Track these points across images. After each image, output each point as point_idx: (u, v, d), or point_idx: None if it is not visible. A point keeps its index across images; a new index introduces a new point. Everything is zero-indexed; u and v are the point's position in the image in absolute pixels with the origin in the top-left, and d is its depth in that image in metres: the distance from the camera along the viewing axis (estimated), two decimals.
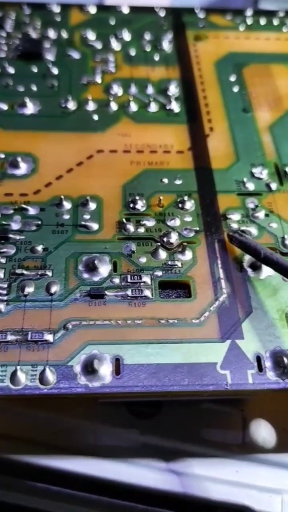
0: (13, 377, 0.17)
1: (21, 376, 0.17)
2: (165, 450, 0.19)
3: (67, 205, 0.21)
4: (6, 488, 0.20)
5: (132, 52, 0.28)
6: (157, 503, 0.19)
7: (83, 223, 0.21)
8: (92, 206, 0.21)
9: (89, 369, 0.17)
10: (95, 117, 0.25)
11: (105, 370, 0.17)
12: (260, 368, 0.17)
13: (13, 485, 0.20)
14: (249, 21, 0.31)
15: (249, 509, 0.19)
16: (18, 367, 0.17)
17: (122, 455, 0.19)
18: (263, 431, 0.20)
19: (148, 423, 0.20)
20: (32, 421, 0.20)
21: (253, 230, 0.21)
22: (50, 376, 0.17)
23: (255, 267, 0.20)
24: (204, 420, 0.20)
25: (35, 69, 0.27)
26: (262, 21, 0.31)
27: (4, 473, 0.20)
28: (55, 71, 0.27)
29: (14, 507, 0.20)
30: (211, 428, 0.20)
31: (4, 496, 0.20)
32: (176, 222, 0.21)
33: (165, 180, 0.22)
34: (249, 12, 0.31)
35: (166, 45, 0.29)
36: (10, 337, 0.17)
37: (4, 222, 0.20)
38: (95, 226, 0.21)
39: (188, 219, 0.21)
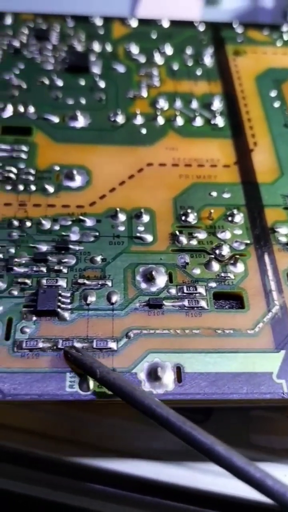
0: (82, 383, 0.18)
1: (90, 382, 0.18)
2: None
3: (121, 217, 0.22)
4: (61, 489, 0.21)
5: (175, 67, 0.29)
6: (207, 505, 0.20)
7: (138, 234, 0.22)
8: (146, 218, 0.22)
9: (153, 376, 0.18)
10: (143, 131, 0.26)
11: (168, 378, 0.18)
12: None
13: (66, 485, 0.21)
14: (286, 37, 0.32)
15: None
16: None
17: (173, 457, 0.20)
18: None
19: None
20: (86, 424, 0.21)
21: None
22: None
23: None
24: (252, 425, 0.21)
25: (82, 82, 0.28)
26: None
27: (56, 473, 0.21)
28: (102, 84, 0.28)
29: (69, 508, 0.21)
30: (259, 433, 0.21)
31: (59, 497, 0.21)
32: (227, 235, 0.22)
33: (214, 194, 0.23)
34: (285, 28, 0.32)
35: (208, 59, 0.29)
36: (77, 345, 0.18)
37: (63, 233, 0.21)
38: (149, 237, 0.22)
39: (238, 232, 0.22)
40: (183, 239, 0.21)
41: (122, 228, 0.22)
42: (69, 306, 0.19)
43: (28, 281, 0.20)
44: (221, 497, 0.20)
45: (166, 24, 0.32)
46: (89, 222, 0.22)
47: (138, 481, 0.20)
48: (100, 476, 0.21)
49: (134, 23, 0.32)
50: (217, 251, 0.21)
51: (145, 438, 0.21)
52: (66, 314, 0.19)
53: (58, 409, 0.21)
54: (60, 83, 0.28)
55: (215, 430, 0.20)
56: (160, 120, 0.26)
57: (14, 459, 0.21)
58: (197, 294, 0.20)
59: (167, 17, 0.32)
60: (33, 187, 0.23)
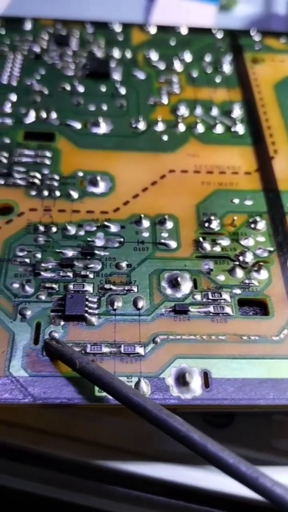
0: None
1: None
2: None
3: (145, 223, 0.22)
4: (84, 491, 0.21)
5: (194, 74, 0.29)
6: (230, 508, 0.21)
7: (162, 241, 0.22)
8: (169, 224, 0.22)
9: (181, 381, 0.18)
10: (165, 138, 0.26)
11: (196, 383, 0.18)
12: None
13: (93, 489, 0.21)
14: None
15: None
16: None
17: (197, 462, 0.21)
18: None
19: (221, 433, 0.21)
20: (109, 428, 0.21)
21: None
22: (145, 387, 0.18)
23: None
24: (274, 430, 0.21)
25: (103, 89, 0.28)
26: None
27: (82, 477, 0.21)
28: (122, 91, 0.28)
29: (92, 510, 0.21)
30: (281, 438, 0.21)
31: (82, 499, 0.21)
32: (250, 242, 0.22)
33: (236, 201, 0.24)
34: None
35: (227, 67, 0.30)
36: (104, 349, 0.19)
37: (89, 239, 0.22)
38: (173, 244, 0.22)
39: (261, 239, 0.22)
40: (207, 246, 0.22)
41: (146, 234, 0.22)
42: (96, 311, 0.20)
43: (55, 286, 0.20)
44: (243, 500, 0.20)
45: (184, 31, 0.32)
46: (113, 228, 0.22)
47: (159, 483, 0.21)
48: (100, 473, 0.21)
49: (152, 30, 0.32)
50: (240, 258, 0.21)
51: (170, 442, 0.21)
52: (94, 319, 0.19)
53: (79, 411, 0.21)
54: (81, 89, 0.28)
55: (237, 434, 0.20)
56: (181, 127, 0.26)
57: (13, 455, 0.21)
58: (222, 301, 0.20)
59: (180, 24, 0.32)
60: (57, 193, 0.23)
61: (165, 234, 0.22)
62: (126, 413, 0.20)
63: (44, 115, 0.26)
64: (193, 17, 0.40)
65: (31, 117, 0.26)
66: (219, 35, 0.32)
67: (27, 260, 0.21)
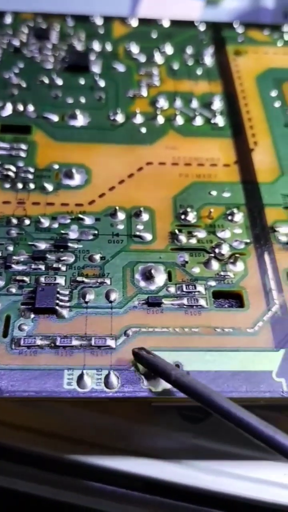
0: (80, 380, 0.17)
1: (88, 379, 0.18)
2: (216, 453, 0.20)
3: (121, 215, 0.22)
4: (61, 487, 0.21)
5: (175, 66, 0.29)
6: (209, 503, 0.20)
7: (137, 233, 0.21)
8: (145, 217, 0.22)
9: (152, 374, 0.18)
10: (143, 130, 0.26)
11: None
12: None
13: (67, 484, 0.21)
14: (287, 37, 0.32)
15: None
16: (84, 371, 0.18)
17: (175, 456, 0.20)
18: None
19: (199, 427, 0.21)
20: (89, 423, 0.21)
21: None
22: (115, 380, 0.18)
23: None
24: None
25: (82, 81, 0.28)
26: None
27: (59, 472, 0.21)
28: (102, 83, 0.28)
29: (69, 505, 0.21)
30: None
31: (59, 495, 0.21)
32: (226, 234, 0.22)
33: (214, 193, 0.23)
34: (286, 28, 0.32)
35: (208, 59, 0.29)
36: (74, 342, 0.18)
37: (62, 231, 0.21)
38: (148, 236, 0.21)
39: (238, 231, 0.22)
40: (183, 238, 0.21)
41: (121, 227, 0.22)
42: (68, 304, 0.19)
43: (26, 278, 0.20)
44: (222, 495, 0.20)
45: (166, 24, 0.32)
46: (88, 221, 0.22)
47: (138, 479, 0.20)
48: (100, 474, 0.20)
49: (134, 23, 0.32)
50: (216, 250, 0.21)
51: (146, 437, 0.21)
52: (65, 312, 0.19)
53: (58, 406, 0.21)
54: (60, 82, 0.28)
55: (213, 428, 0.20)
56: (160, 119, 0.26)
57: (14, 457, 0.21)
58: (196, 293, 0.20)
59: (168, 17, 0.32)
60: (32, 186, 0.23)
61: (140, 227, 0.22)
62: (102, 407, 0.20)
63: (21, 108, 0.26)
64: (180, 10, 0.39)
65: (8, 110, 0.26)
66: (202, 28, 0.32)
67: None
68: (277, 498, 0.20)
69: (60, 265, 0.20)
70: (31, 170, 0.23)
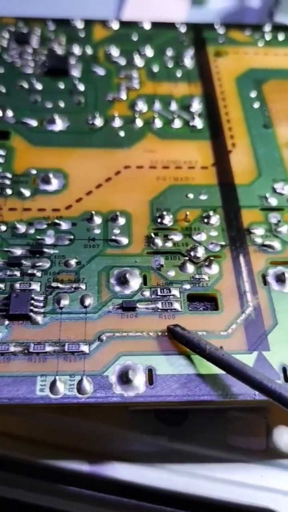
0: (53, 386, 0.18)
1: (60, 385, 0.18)
2: (192, 456, 0.20)
3: (97, 220, 0.22)
4: (39, 491, 0.21)
5: (155, 69, 0.29)
6: (184, 506, 0.20)
7: (113, 237, 0.22)
8: (122, 221, 0.22)
9: (124, 379, 0.18)
10: (121, 134, 0.26)
11: (139, 380, 0.18)
12: (286, 378, 0.18)
13: (45, 488, 0.21)
14: (268, 37, 0.32)
15: None
16: (57, 377, 0.18)
17: (150, 460, 0.20)
18: (285, 438, 0.21)
19: (175, 430, 0.21)
20: (65, 428, 0.21)
21: (277, 244, 0.21)
22: (87, 385, 0.18)
23: (280, 281, 0.20)
24: (229, 427, 0.21)
25: (62, 86, 0.28)
26: (281, 37, 0.32)
27: (36, 477, 0.21)
28: (81, 87, 0.28)
29: (46, 510, 0.21)
30: (236, 434, 0.21)
31: (36, 499, 0.21)
32: (202, 237, 0.22)
33: (191, 196, 0.23)
34: (267, 28, 0.32)
35: (188, 61, 0.29)
36: (48, 348, 0.18)
37: (38, 237, 0.21)
38: (124, 240, 0.22)
39: (214, 233, 0.22)
40: (158, 242, 0.21)
41: (97, 231, 0.22)
42: (42, 310, 0.19)
43: (1, 285, 0.20)
44: (198, 498, 0.20)
45: (147, 26, 0.32)
46: (64, 226, 0.22)
47: (116, 483, 0.20)
48: (78, 479, 0.21)
49: (115, 26, 0.32)
50: (192, 253, 0.21)
51: (123, 441, 0.21)
52: (39, 318, 0.19)
53: (34, 412, 0.21)
54: (39, 86, 0.28)
55: (191, 432, 0.20)
56: (139, 123, 0.26)
57: None
58: (171, 296, 0.20)
59: (154, 19, 0.32)
60: (9, 191, 0.23)
61: (117, 231, 0.22)
62: (80, 412, 0.20)
63: (0, 113, 0.26)
64: (165, 12, 0.39)
65: None
66: (183, 29, 0.32)
67: None
68: (253, 500, 0.20)
69: (35, 271, 0.20)
70: (9, 175, 0.23)
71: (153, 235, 0.22)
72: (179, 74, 0.29)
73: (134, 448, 0.21)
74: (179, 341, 0.18)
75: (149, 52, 0.30)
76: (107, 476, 0.20)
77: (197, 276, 0.21)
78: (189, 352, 0.19)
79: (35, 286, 0.20)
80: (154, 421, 0.21)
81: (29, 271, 0.20)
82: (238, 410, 0.21)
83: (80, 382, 0.18)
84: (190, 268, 0.21)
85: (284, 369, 0.18)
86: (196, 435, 0.21)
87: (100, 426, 0.21)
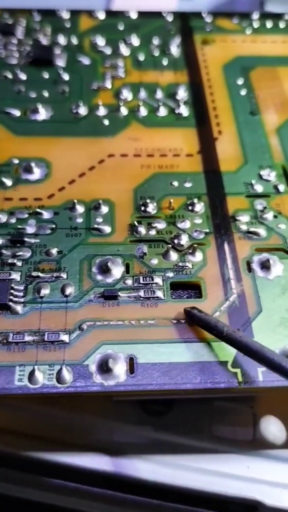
0: (31, 376, 0.17)
1: (39, 375, 0.17)
2: (178, 447, 0.20)
3: (80, 208, 0.22)
4: (23, 485, 0.21)
5: (141, 57, 0.29)
6: (170, 498, 0.20)
7: (95, 226, 0.21)
8: (104, 209, 0.22)
9: (104, 368, 0.17)
10: (106, 122, 0.25)
11: (120, 369, 0.18)
12: None
13: (29, 481, 0.21)
14: (256, 25, 0.31)
15: (261, 503, 0.19)
16: (36, 367, 0.17)
17: (136, 451, 0.20)
18: (273, 428, 0.21)
19: (160, 420, 0.20)
20: (49, 419, 0.21)
21: (262, 231, 0.21)
22: (67, 375, 0.17)
23: (264, 267, 0.20)
24: (215, 417, 0.21)
25: (46, 75, 0.27)
26: (269, 24, 0.31)
27: (21, 470, 0.21)
28: (66, 77, 0.27)
29: (31, 503, 0.21)
30: (222, 425, 0.20)
31: (21, 492, 0.21)
32: (186, 224, 0.21)
33: (175, 183, 0.23)
34: (255, 16, 0.32)
35: (174, 49, 0.29)
36: (27, 338, 0.18)
37: (19, 226, 0.21)
38: (107, 229, 0.21)
39: (198, 221, 0.22)
40: (142, 230, 0.21)
41: (80, 220, 0.21)
42: (22, 300, 0.19)
43: None
44: (184, 490, 0.20)
45: (134, 16, 0.32)
46: (46, 215, 0.22)
47: (100, 475, 0.20)
48: (62, 471, 0.20)
49: (101, 15, 0.31)
50: (175, 241, 0.21)
51: (108, 432, 0.21)
52: (19, 308, 0.19)
53: (24, 405, 0.21)
54: (23, 76, 0.27)
55: (177, 422, 0.20)
56: (123, 111, 0.26)
57: None
58: (153, 285, 0.20)
59: (144, 9, 0.32)
60: None
61: (99, 220, 0.21)
62: (63, 403, 0.20)
63: None
64: (156, 2, 0.39)
65: None
66: (170, 18, 0.31)
67: None
68: (240, 491, 0.19)
69: (15, 261, 0.20)
70: None
71: (136, 223, 0.21)
72: (165, 62, 0.28)
73: (118, 439, 0.20)
74: (196, 324, 0.18)
75: (135, 41, 0.30)
76: (91, 468, 0.20)
77: (180, 264, 0.20)
78: (170, 340, 0.18)
79: (15, 276, 0.20)
80: (139, 412, 0.21)
81: (9, 261, 0.20)
82: (224, 400, 0.21)
83: (59, 372, 0.17)
84: (174, 256, 0.20)
85: None
86: (182, 425, 0.21)
87: (84, 417, 0.21)
